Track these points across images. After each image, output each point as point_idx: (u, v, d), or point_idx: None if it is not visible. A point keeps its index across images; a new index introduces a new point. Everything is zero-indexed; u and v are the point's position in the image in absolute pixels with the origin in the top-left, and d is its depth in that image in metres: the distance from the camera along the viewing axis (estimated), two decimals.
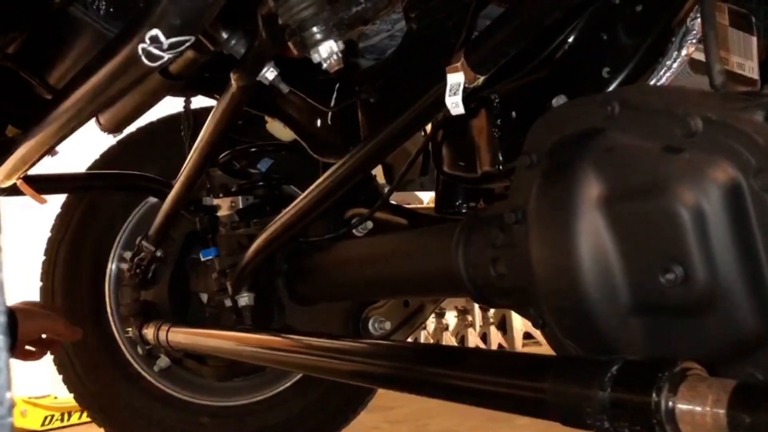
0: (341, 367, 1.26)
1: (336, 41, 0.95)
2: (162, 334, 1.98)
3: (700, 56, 1.14)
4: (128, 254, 2.28)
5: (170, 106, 2.16)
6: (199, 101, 2.09)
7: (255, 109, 1.76)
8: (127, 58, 0.75)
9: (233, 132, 2.02)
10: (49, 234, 2.41)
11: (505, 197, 1.12)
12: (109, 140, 2.31)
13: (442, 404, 1.16)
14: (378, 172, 2.06)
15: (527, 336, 5.73)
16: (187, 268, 2.27)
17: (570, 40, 1.24)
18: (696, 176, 0.79)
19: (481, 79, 1.04)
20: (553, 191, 0.94)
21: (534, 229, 0.98)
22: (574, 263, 0.89)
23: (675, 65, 1.16)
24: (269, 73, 1.17)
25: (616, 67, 1.16)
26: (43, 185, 1.96)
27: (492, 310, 5.80)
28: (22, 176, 1.60)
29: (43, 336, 1.78)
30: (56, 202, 2.36)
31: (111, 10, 1.01)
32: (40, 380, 3.73)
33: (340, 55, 0.97)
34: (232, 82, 1.25)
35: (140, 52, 0.70)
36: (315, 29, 0.93)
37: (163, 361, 2.24)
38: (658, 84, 1.17)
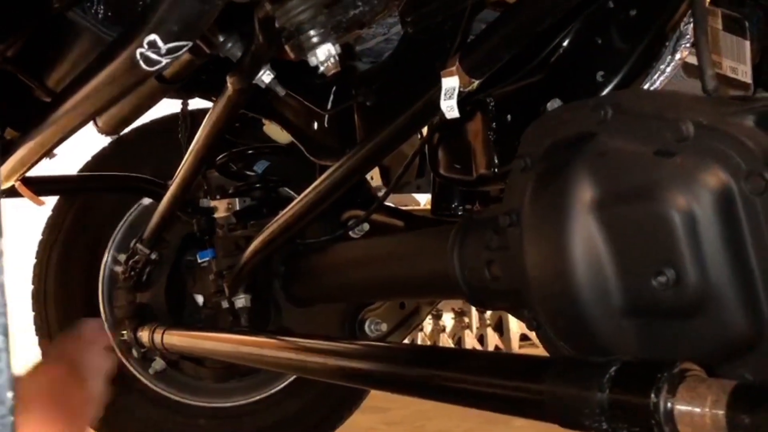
0: (338, 369, 1.27)
1: (333, 44, 0.96)
2: (157, 337, 1.98)
3: (694, 60, 1.15)
4: (122, 257, 2.27)
5: (168, 107, 2.16)
6: (197, 102, 2.09)
7: (252, 112, 1.76)
8: (125, 63, 0.76)
9: (230, 134, 2.03)
10: (40, 236, 2.38)
11: (500, 200, 1.13)
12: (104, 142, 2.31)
13: (438, 406, 1.17)
14: (375, 174, 2.07)
15: (524, 338, 5.74)
16: (182, 270, 2.27)
17: (565, 43, 1.25)
18: (687, 180, 0.80)
19: (476, 83, 1.04)
20: (547, 194, 0.95)
21: (528, 232, 0.98)
22: (567, 266, 0.89)
23: (669, 69, 1.17)
24: (266, 76, 1.17)
25: (611, 70, 1.16)
26: (40, 187, 1.96)
27: (489, 312, 5.81)
28: (20, 178, 1.60)
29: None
30: (48, 203, 2.34)
31: (109, 14, 1.01)
32: None
33: (337, 58, 0.97)
34: (229, 85, 1.26)
35: (138, 56, 0.71)
36: (312, 32, 0.93)
37: (159, 364, 2.23)
38: (652, 88, 1.18)
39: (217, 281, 1.96)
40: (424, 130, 1.51)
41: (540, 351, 1.06)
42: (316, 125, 1.57)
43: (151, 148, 2.39)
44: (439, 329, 5.95)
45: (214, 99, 1.56)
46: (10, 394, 0.34)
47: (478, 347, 5.82)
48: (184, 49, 0.71)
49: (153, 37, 0.68)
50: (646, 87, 1.18)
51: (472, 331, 6.00)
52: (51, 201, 2.36)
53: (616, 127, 0.89)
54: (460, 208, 1.68)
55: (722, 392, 0.67)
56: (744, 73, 1.30)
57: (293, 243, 1.77)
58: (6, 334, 0.34)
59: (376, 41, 1.45)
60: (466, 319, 6.00)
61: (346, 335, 1.90)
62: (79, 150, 2.10)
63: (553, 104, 1.23)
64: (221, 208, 2.02)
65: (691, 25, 1.12)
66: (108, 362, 1.65)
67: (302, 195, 1.48)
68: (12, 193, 1.78)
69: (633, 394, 0.74)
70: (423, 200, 3.28)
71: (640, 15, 1.16)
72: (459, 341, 5.94)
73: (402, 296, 1.84)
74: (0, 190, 0.37)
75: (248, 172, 2.16)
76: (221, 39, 1.17)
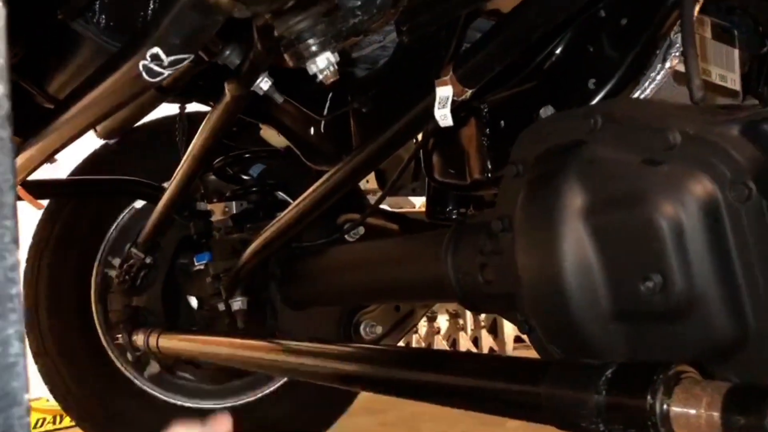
0: (334, 371, 1.28)
1: (332, 53, 0.97)
2: (153, 340, 1.98)
3: (684, 68, 1.17)
4: (116, 260, 2.27)
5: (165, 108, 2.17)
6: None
7: (249, 117, 1.78)
8: (128, 74, 0.77)
9: (227, 138, 2.05)
10: (31, 241, 2.35)
11: (494, 204, 1.14)
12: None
13: (433, 408, 1.18)
14: (370, 177, 2.09)
15: (518, 340, 5.75)
16: (176, 273, 2.27)
17: (557, 51, 1.27)
18: (674, 188, 0.82)
19: (469, 92, 1.06)
20: (538, 201, 0.97)
21: (520, 237, 1.00)
22: (558, 270, 0.91)
23: (659, 77, 1.19)
24: (264, 84, 1.19)
25: (602, 78, 1.18)
26: (38, 191, 1.96)
27: (483, 314, 5.82)
28: (20, 183, 1.62)
29: None
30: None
31: (111, 24, 1.03)
32: (32, 383, 3.72)
33: (336, 66, 0.99)
34: (227, 92, 1.27)
35: (141, 68, 0.73)
36: (311, 41, 0.95)
37: (154, 368, 2.24)
38: (643, 95, 1.20)
39: (214, 284, 1.97)
40: (420, 135, 1.53)
41: (534, 353, 1.08)
42: (312, 131, 1.58)
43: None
44: (433, 331, 5.97)
45: (211, 104, 1.57)
46: (26, 396, 0.36)
47: (473, 349, 5.83)
48: (186, 61, 0.73)
49: (156, 50, 0.69)
50: (637, 94, 1.20)
51: (466, 333, 6.02)
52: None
53: (606, 135, 0.91)
54: (455, 211, 1.70)
55: (717, 394, 0.70)
56: (733, 80, 1.32)
57: (289, 246, 1.79)
58: (21, 340, 0.36)
59: (372, 48, 1.46)
60: (461, 321, 6.01)
61: (342, 337, 1.91)
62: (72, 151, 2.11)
63: (546, 111, 1.25)
64: (218, 211, 2.04)
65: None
66: None
67: (299, 199, 1.50)
68: None
69: (629, 396, 0.76)
70: (418, 203, 3.29)
71: (631, 24, 1.18)
72: (454, 343, 5.96)
73: (397, 299, 1.86)
74: (15, 203, 0.39)
75: (244, 176, 2.18)
76: (220, 47, 1.19)
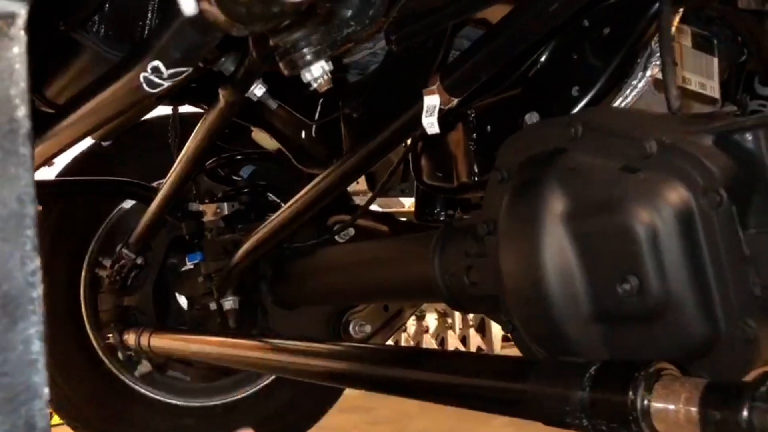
0: (324, 370, 1.31)
1: (326, 61, 1.00)
2: (144, 340, 2.00)
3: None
4: (106, 261, 2.28)
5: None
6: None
7: (241, 120, 1.81)
8: (129, 84, 0.80)
9: (220, 139, 2.07)
10: None
11: (480, 206, 1.18)
12: None
13: (421, 406, 1.21)
14: (360, 178, 2.12)
15: (506, 338, 5.80)
16: (167, 273, 2.29)
17: (542, 59, 1.31)
18: (650, 195, 0.86)
19: (456, 101, 1.10)
20: (522, 206, 1.00)
21: (504, 241, 1.04)
22: (539, 273, 0.95)
23: (640, 85, 1.23)
24: (258, 90, 1.22)
25: (585, 86, 1.22)
26: None
27: (471, 314, 5.87)
28: None
29: None
30: None
31: (110, 33, 1.06)
32: None
33: (329, 75, 1.01)
34: (221, 97, 1.30)
35: (142, 80, 0.76)
36: (306, 50, 0.97)
37: (145, 367, 2.25)
38: (625, 103, 1.23)
39: (206, 283, 2.00)
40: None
41: None
42: (303, 134, 1.61)
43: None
44: (422, 330, 6.01)
45: (204, 107, 1.60)
46: (46, 390, 0.39)
47: (461, 348, 5.88)
48: (185, 73, 0.76)
49: (156, 63, 0.72)
50: (618, 102, 1.23)
51: (455, 332, 6.07)
52: None
53: (586, 144, 0.95)
54: (442, 213, 1.73)
55: (695, 390, 0.74)
56: (712, 88, 1.36)
57: (281, 247, 1.82)
58: (42, 340, 0.40)
59: (363, 54, 1.49)
60: (449, 320, 6.06)
61: (332, 336, 1.94)
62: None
63: (531, 117, 1.28)
64: (210, 212, 2.07)
65: None
66: None
67: (291, 201, 1.53)
68: None
69: (612, 393, 0.79)
70: (408, 202, 3.32)
71: (613, 33, 1.21)
72: (442, 342, 6.00)
73: (385, 299, 1.89)
74: (35, 214, 0.42)
75: (235, 177, 2.20)
76: (216, 55, 1.21)
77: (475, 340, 5.98)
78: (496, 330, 5.81)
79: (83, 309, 2.31)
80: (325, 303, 1.93)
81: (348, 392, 2.50)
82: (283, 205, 1.62)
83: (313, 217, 1.61)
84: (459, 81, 1.09)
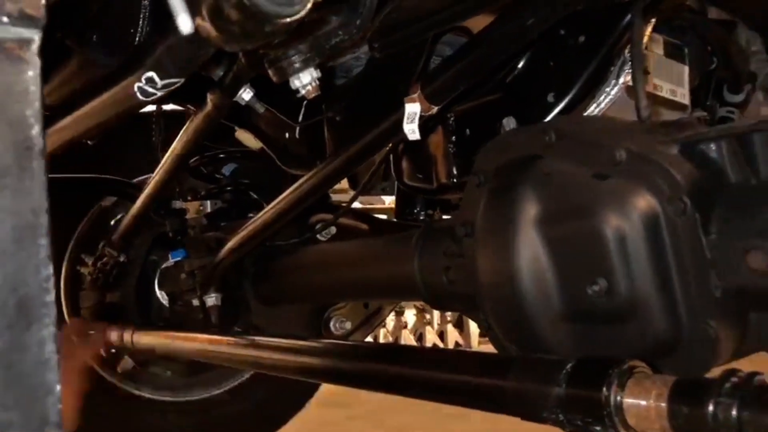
0: (304, 366, 1.34)
1: (315, 69, 1.03)
2: (127, 337, 2.01)
3: None
4: (88, 258, 2.28)
5: None
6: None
7: (226, 121, 1.82)
8: (122, 93, 0.83)
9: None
10: None
11: (459, 207, 1.21)
12: None
13: (399, 401, 1.25)
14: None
15: (483, 334, 5.85)
16: (149, 270, 2.30)
17: (520, 66, 1.35)
18: (619, 201, 0.90)
19: (436, 108, 1.13)
20: (498, 209, 1.05)
21: (480, 242, 1.08)
22: (513, 274, 0.99)
23: (614, 92, 1.27)
24: (245, 94, 1.24)
25: (561, 92, 1.25)
26: None
27: None
28: None
29: None
30: None
31: (102, 40, 1.08)
32: None
33: (317, 82, 1.04)
34: (209, 101, 1.32)
35: (136, 89, 0.79)
36: (295, 59, 1.00)
37: (127, 363, 2.26)
38: (599, 109, 1.27)
39: (189, 280, 2.02)
40: None
41: None
42: (287, 136, 1.63)
43: None
44: (401, 325, 6.06)
45: (190, 107, 1.61)
46: (59, 387, 0.43)
47: (439, 343, 5.94)
48: (178, 84, 0.79)
49: (151, 74, 0.75)
50: (592, 108, 1.27)
51: (433, 327, 6.12)
52: None
53: (560, 150, 0.99)
54: (422, 213, 1.77)
55: (664, 386, 0.78)
56: (682, 95, 1.41)
57: (263, 244, 1.84)
58: (54, 341, 0.43)
59: (346, 57, 1.52)
60: (428, 316, 6.12)
61: (312, 333, 1.97)
62: None
63: (509, 122, 1.32)
64: (192, 209, 2.09)
65: None
66: (86, 362, 1.69)
67: (275, 201, 1.55)
68: None
69: (587, 389, 0.84)
70: (388, 200, 3.36)
71: (588, 41, 1.25)
72: (420, 337, 6.06)
73: (366, 298, 1.92)
74: (49, 224, 0.45)
75: (217, 175, 2.22)
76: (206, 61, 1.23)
77: (453, 336, 6.04)
78: (474, 326, 5.86)
79: (64, 306, 2.30)
80: (306, 300, 1.95)
81: (327, 387, 2.53)
82: (264, 204, 1.64)
83: (295, 216, 1.63)
84: (439, 90, 1.13)
